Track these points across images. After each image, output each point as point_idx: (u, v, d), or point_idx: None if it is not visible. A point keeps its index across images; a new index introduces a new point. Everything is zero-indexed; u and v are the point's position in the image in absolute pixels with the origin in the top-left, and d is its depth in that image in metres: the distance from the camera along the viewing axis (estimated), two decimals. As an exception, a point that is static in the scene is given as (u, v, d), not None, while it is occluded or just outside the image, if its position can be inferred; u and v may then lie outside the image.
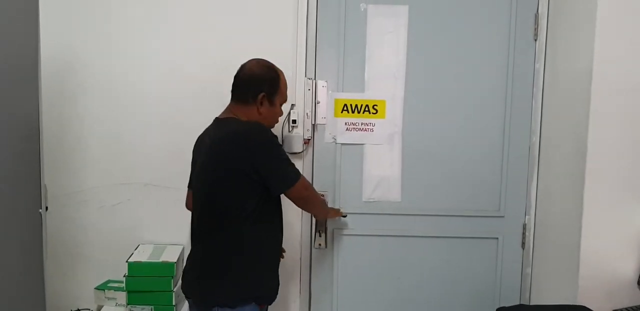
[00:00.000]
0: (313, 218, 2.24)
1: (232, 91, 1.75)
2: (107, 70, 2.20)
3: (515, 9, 2.17)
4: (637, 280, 1.85)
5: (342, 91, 2.21)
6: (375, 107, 2.21)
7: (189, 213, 1.73)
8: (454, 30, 2.18)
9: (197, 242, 1.74)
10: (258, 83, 1.72)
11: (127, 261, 2.05)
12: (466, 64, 2.19)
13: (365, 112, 2.21)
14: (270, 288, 1.74)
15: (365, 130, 2.22)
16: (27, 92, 1.65)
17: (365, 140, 2.23)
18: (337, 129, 2.22)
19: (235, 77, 1.75)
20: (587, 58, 1.81)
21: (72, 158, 2.22)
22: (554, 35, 2.10)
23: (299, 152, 2.20)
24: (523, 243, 2.24)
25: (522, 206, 2.23)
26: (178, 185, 2.20)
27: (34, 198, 1.66)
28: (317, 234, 2.24)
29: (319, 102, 2.20)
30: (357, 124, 2.22)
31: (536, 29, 2.15)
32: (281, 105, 1.81)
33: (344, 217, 2.20)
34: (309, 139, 2.21)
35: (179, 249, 2.18)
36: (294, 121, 2.19)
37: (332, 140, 2.22)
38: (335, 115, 2.22)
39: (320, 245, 2.25)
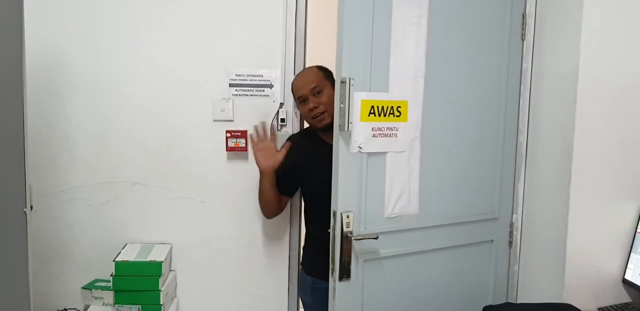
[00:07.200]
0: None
1: None
2: (95, 69, 2.18)
3: (506, 8, 2.09)
4: (622, 278, 1.87)
5: (370, 90, 1.81)
6: (399, 108, 1.89)
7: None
8: (467, 29, 2.01)
9: None
10: None
11: (114, 261, 2.03)
12: (469, 62, 2.04)
13: (390, 115, 1.87)
14: None
15: (390, 135, 1.88)
16: (12, 90, 1.63)
17: (389, 147, 1.88)
18: (363, 136, 1.82)
19: None
20: (574, 58, 1.82)
21: (59, 157, 2.20)
22: (541, 35, 2.11)
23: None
24: (510, 242, 2.25)
25: (510, 205, 2.24)
26: (166, 184, 2.21)
27: (18, 197, 1.65)
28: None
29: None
30: (382, 129, 1.86)
31: (524, 29, 2.16)
32: (299, 102, 2.07)
33: (375, 239, 1.82)
34: (297, 138, 2.21)
35: (166, 248, 2.17)
36: (283, 120, 2.19)
37: (358, 149, 1.82)
38: (362, 119, 1.80)
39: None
